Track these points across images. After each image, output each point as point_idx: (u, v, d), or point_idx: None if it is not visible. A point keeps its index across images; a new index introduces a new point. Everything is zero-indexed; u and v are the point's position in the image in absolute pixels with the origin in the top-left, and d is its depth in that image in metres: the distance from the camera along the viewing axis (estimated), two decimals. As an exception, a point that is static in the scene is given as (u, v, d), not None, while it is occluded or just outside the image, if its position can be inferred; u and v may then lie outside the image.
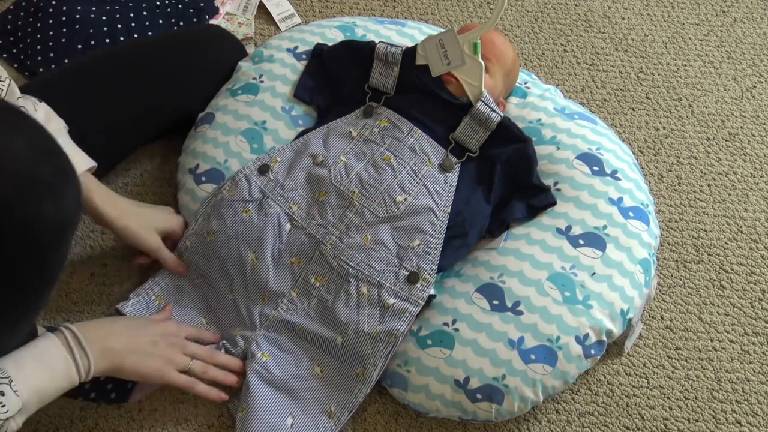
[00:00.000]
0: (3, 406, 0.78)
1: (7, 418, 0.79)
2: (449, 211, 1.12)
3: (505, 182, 1.15)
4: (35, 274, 0.78)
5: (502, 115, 1.16)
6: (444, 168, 1.14)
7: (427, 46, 1.15)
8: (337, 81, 1.23)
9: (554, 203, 1.15)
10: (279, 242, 1.10)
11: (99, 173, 1.06)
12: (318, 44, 1.27)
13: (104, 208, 1.03)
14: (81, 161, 1.00)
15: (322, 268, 1.09)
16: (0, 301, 0.77)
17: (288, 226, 1.11)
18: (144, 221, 1.08)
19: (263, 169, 1.14)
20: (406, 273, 1.08)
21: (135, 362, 0.94)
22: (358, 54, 1.22)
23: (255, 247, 1.09)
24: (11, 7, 1.38)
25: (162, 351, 0.98)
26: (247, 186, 1.13)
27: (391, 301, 1.06)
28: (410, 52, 1.18)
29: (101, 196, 1.03)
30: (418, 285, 1.07)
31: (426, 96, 1.16)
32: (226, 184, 1.14)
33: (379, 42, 1.22)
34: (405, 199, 1.10)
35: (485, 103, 1.14)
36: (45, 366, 0.84)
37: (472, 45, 1.12)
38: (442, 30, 1.37)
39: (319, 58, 1.26)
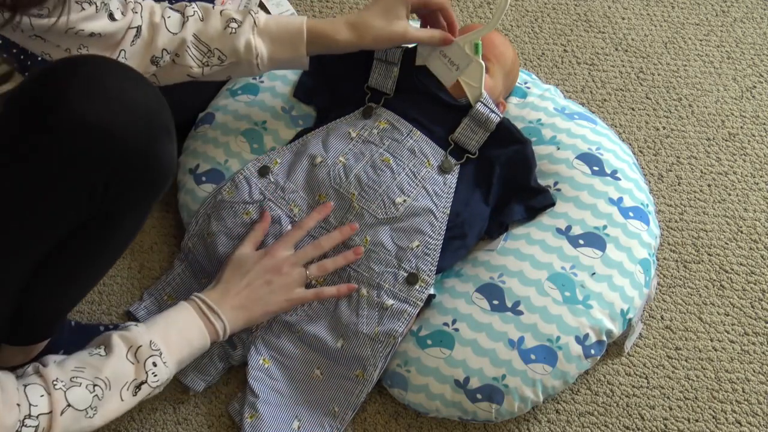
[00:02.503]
0: (155, 376, 0.89)
1: (159, 386, 0.90)
2: (448, 212, 1.11)
3: (504, 184, 1.15)
4: (143, 212, 0.91)
5: (501, 116, 1.16)
6: (443, 169, 1.14)
7: (431, 62, 1.15)
8: (337, 81, 1.23)
9: (553, 204, 1.15)
10: None
11: None
12: None
13: (345, 39, 1.07)
14: (297, 18, 1.07)
15: None
16: (115, 236, 0.90)
17: (289, 228, 1.11)
18: (379, 24, 1.08)
19: (263, 171, 1.14)
20: (405, 274, 1.08)
21: (262, 308, 1.02)
22: (358, 54, 1.22)
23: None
24: (12, 7, 1.38)
25: (278, 283, 1.03)
26: (248, 188, 1.13)
27: (390, 302, 1.06)
28: (410, 53, 1.18)
29: (333, 31, 1.07)
30: (417, 286, 1.07)
31: (425, 97, 1.16)
32: (225, 186, 1.14)
33: None
34: (404, 201, 1.10)
35: (484, 104, 1.14)
36: (186, 339, 0.94)
37: (473, 46, 1.12)
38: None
39: (319, 58, 1.26)
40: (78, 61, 0.80)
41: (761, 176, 1.36)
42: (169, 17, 1.02)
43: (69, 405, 0.81)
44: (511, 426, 1.10)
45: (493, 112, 1.14)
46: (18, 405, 0.77)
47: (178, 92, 1.23)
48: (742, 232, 1.30)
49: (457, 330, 1.06)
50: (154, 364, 0.89)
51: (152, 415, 1.08)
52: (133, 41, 0.99)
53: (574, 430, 1.11)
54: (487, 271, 1.11)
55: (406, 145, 1.14)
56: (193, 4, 1.04)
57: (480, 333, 1.05)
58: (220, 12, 1.04)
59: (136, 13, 0.99)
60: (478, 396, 1.03)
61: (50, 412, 0.79)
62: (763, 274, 1.25)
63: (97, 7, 0.93)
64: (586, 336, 1.06)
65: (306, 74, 1.25)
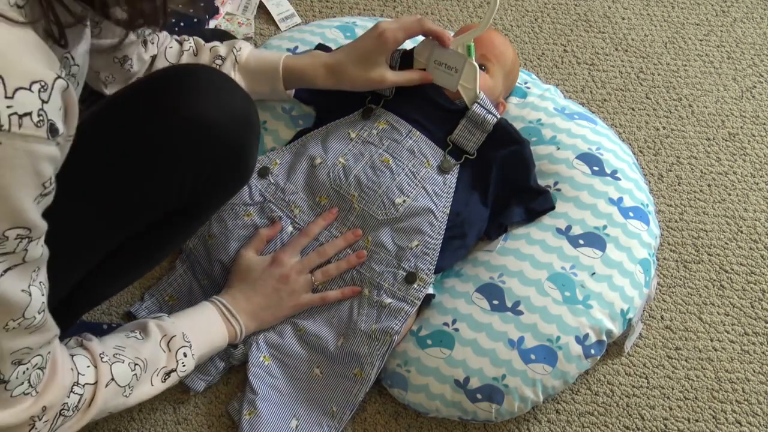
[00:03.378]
0: (184, 366, 0.94)
1: (183, 377, 0.95)
2: (448, 212, 1.11)
3: (502, 185, 1.15)
4: (213, 212, 0.99)
5: (498, 117, 1.15)
6: (442, 170, 1.14)
7: (434, 74, 1.14)
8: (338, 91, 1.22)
9: (553, 207, 1.14)
10: (281, 245, 1.10)
11: None
12: (320, 44, 1.27)
13: (323, 83, 1.12)
14: (276, 56, 1.12)
15: None
16: (179, 236, 0.97)
17: (290, 229, 1.11)
18: (356, 71, 1.10)
19: (263, 172, 1.14)
20: (404, 273, 1.08)
21: (272, 314, 1.07)
22: None
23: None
24: (12, 7, 1.38)
25: (286, 291, 1.06)
26: (248, 189, 1.13)
27: (388, 300, 1.07)
28: (408, 55, 1.17)
29: (312, 74, 1.12)
30: (415, 285, 1.07)
31: (423, 99, 1.16)
32: None
33: None
34: (404, 201, 1.10)
35: (481, 105, 1.14)
36: (209, 337, 0.99)
37: (465, 48, 1.12)
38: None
39: None
40: (196, 68, 0.89)
41: (761, 176, 1.36)
42: (171, 47, 1.09)
43: (113, 379, 0.84)
44: (511, 426, 1.10)
45: (490, 113, 1.14)
46: (71, 369, 0.81)
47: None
48: (742, 232, 1.30)
49: (457, 330, 1.06)
50: (185, 355, 0.94)
51: (152, 415, 1.08)
52: (147, 70, 1.08)
53: (574, 430, 1.11)
54: (487, 271, 1.11)
55: (406, 146, 1.14)
56: (190, 39, 1.12)
57: (480, 333, 1.05)
58: (210, 48, 1.11)
59: (153, 43, 1.07)
60: (478, 396, 1.03)
61: (95, 383, 0.83)
62: (763, 274, 1.25)
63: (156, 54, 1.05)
64: (586, 336, 1.06)
65: None
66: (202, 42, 1.13)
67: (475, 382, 1.03)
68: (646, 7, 1.57)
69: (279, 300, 1.06)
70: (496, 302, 1.07)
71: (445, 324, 1.07)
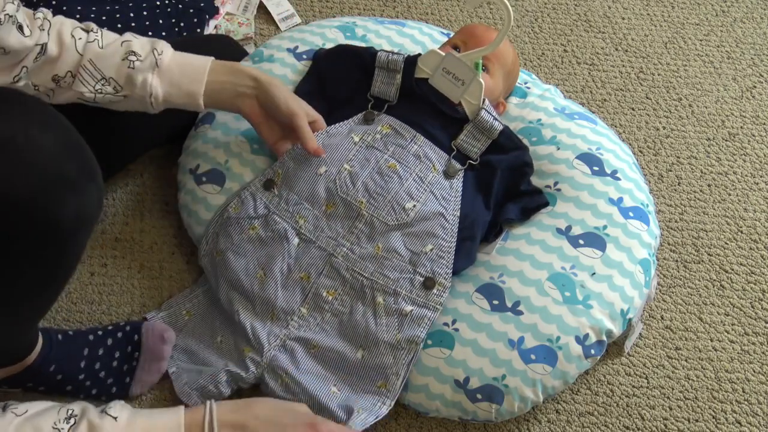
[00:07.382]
0: None
1: None
2: (458, 214, 1.11)
3: (504, 189, 1.15)
4: (52, 266, 0.82)
5: (503, 124, 1.16)
6: (448, 174, 1.13)
7: (436, 81, 1.14)
8: (335, 84, 1.21)
9: (547, 203, 1.14)
10: (288, 257, 1.08)
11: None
12: (319, 49, 1.26)
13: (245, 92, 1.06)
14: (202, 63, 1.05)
15: (333, 282, 1.07)
16: (18, 292, 0.81)
17: (296, 241, 1.09)
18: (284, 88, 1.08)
19: (268, 185, 1.12)
20: (422, 279, 1.07)
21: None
22: (358, 58, 1.21)
23: (263, 264, 1.08)
24: (11, 7, 1.38)
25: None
26: (252, 203, 1.11)
27: (409, 308, 1.06)
28: (412, 61, 1.17)
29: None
30: (435, 290, 1.07)
31: (426, 104, 1.16)
32: (232, 202, 1.12)
33: (380, 50, 1.20)
34: (414, 206, 1.10)
35: (488, 112, 1.14)
36: None
37: (474, 64, 1.12)
38: (442, 30, 1.37)
39: (317, 63, 1.25)
40: None
41: (761, 176, 1.36)
42: (80, 38, 0.98)
43: None
44: (511, 426, 1.10)
45: (497, 120, 1.14)
46: None
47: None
48: (742, 232, 1.30)
49: (457, 330, 1.06)
50: None
51: (152, 415, 1.08)
52: (36, 58, 0.95)
53: (574, 430, 1.11)
54: (487, 271, 1.11)
55: (411, 151, 1.13)
56: (97, 28, 1.01)
57: (480, 333, 1.05)
58: (122, 42, 1.01)
59: (43, 30, 0.95)
60: (478, 396, 1.03)
61: None
62: (763, 274, 1.25)
63: (1, 20, 0.87)
64: (586, 336, 1.06)
65: (305, 80, 1.24)
66: (114, 36, 1.01)
67: (475, 382, 1.03)
68: (646, 7, 1.58)
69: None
70: (496, 302, 1.07)
71: (445, 324, 1.07)
